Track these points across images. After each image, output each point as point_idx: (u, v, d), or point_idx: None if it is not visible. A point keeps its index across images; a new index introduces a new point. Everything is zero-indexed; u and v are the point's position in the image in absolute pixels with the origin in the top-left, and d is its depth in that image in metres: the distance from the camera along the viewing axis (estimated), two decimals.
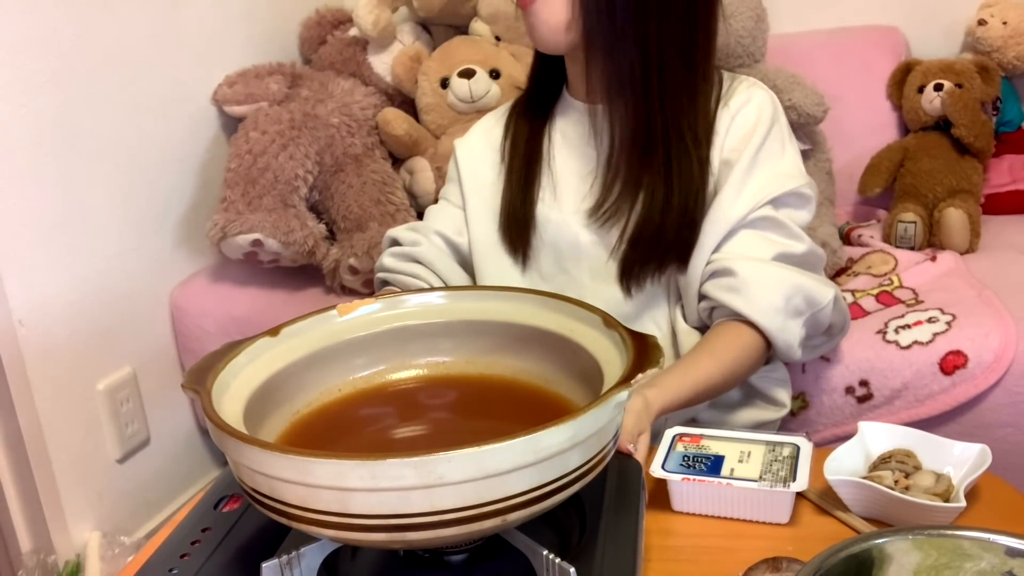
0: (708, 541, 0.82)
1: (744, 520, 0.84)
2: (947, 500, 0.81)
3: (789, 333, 1.03)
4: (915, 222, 1.61)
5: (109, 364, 1.57)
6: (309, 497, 0.59)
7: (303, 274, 1.70)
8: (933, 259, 1.52)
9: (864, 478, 0.84)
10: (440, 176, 1.72)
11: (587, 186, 1.10)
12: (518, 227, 1.13)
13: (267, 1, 1.92)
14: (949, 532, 0.62)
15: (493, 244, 1.15)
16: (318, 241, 1.63)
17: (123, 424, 1.59)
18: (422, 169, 1.75)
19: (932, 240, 1.61)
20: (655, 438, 0.92)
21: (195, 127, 1.75)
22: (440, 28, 1.91)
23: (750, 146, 1.04)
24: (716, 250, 1.04)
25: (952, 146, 1.68)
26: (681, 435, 0.91)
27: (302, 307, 1.21)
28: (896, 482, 0.83)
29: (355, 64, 1.85)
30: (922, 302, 1.38)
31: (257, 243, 1.57)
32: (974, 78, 1.70)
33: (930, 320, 1.31)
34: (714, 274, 1.04)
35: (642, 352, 0.68)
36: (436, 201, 1.26)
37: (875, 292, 1.46)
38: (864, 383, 1.29)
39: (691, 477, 0.84)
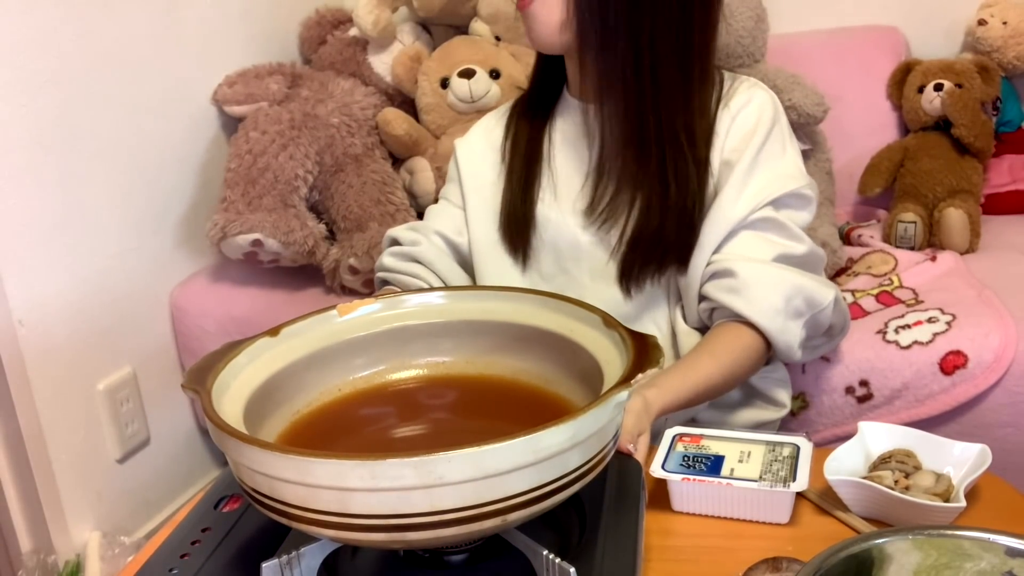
0: (708, 541, 0.82)
1: (744, 520, 0.84)
2: (947, 500, 0.81)
3: (789, 334, 1.03)
4: (915, 222, 1.61)
5: (109, 364, 1.57)
6: (309, 497, 0.59)
7: (303, 274, 1.70)
8: (933, 259, 1.52)
9: (864, 478, 0.84)
10: (440, 176, 1.72)
11: (584, 186, 1.10)
12: (518, 227, 1.13)
13: (267, 1, 1.92)
14: (949, 532, 0.62)
15: (493, 244, 1.15)
16: (318, 241, 1.63)
17: (123, 424, 1.59)
18: (422, 169, 1.75)
19: (932, 240, 1.61)
20: (655, 438, 0.92)
21: (195, 127, 1.75)
22: (440, 28, 1.91)
23: (751, 147, 1.04)
24: (716, 251, 1.04)
25: (952, 146, 1.68)
26: (681, 435, 0.91)
27: (302, 307, 1.21)
28: (896, 482, 0.83)
29: (355, 64, 1.85)
30: (922, 302, 1.38)
31: (257, 243, 1.57)
32: (974, 78, 1.70)
33: (930, 320, 1.31)
34: (714, 275, 1.04)
35: (642, 352, 0.68)
36: (436, 201, 1.26)
37: (875, 292, 1.46)
38: (864, 383, 1.29)
39: (691, 477, 0.84)
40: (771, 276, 1.02)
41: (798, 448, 0.87)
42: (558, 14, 1.01)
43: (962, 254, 1.56)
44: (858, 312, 1.40)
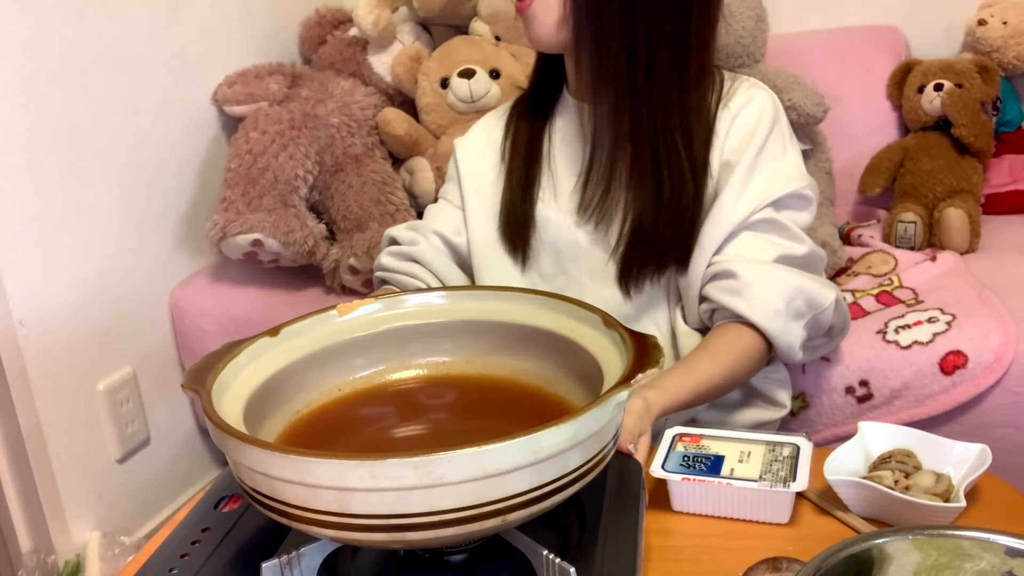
0: (708, 541, 0.82)
1: (744, 520, 0.84)
2: (947, 500, 0.81)
3: (790, 335, 1.03)
4: (915, 222, 1.61)
5: (109, 364, 1.57)
6: (309, 497, 0.59)
7: (303, 274, 1.70)
8: (933, 259, 1.52)
9: (864, 478, 0.84)
10: (440, 176, 1.72)
11: (576, 186, 1.10)
12: (518, 227, 1.13)
13: (267, 1, 1.92)
14: (949, 532, 0.62)
15: (492, 244, 1.15)
16: (318, 241, 1.63)
17: (123, 424, 1.59)
18: (422, 169, 1.75)
19: (932, 240, 1.61)
20: (655, 438, 0.92)
21: (195, 127, 1.75)
22: (440, 28, 1.91)
23: (751, 147, 1.04)
24: (717, 252, 1.04)
25: (952, 146, 1.68)
26: (681, 435, 0.91)
27: (302, 307, 1.21)
28: (896, 482, 0.83)
29: (355, 64, 1.85)
30: (922, 302, 1.38)
31: (257, 243, 1.57)
32: (974, 78, 1.70)
33: (930, 320, 1.31)
34: (715, 276, 1.04)
35: (642, 352, 0.68)
36: (436, 201, 1.26)
37: (875, 292, 1.46)
38: (864, 383, 1.29)
39: (691, 477, 0.84)
40: (772, 277, 1.02)
41: (798, 448, 0.87)
42: (556, 12, 1.01)
43: (962, 254, 1.56)
44: (858, 312, 1.40)
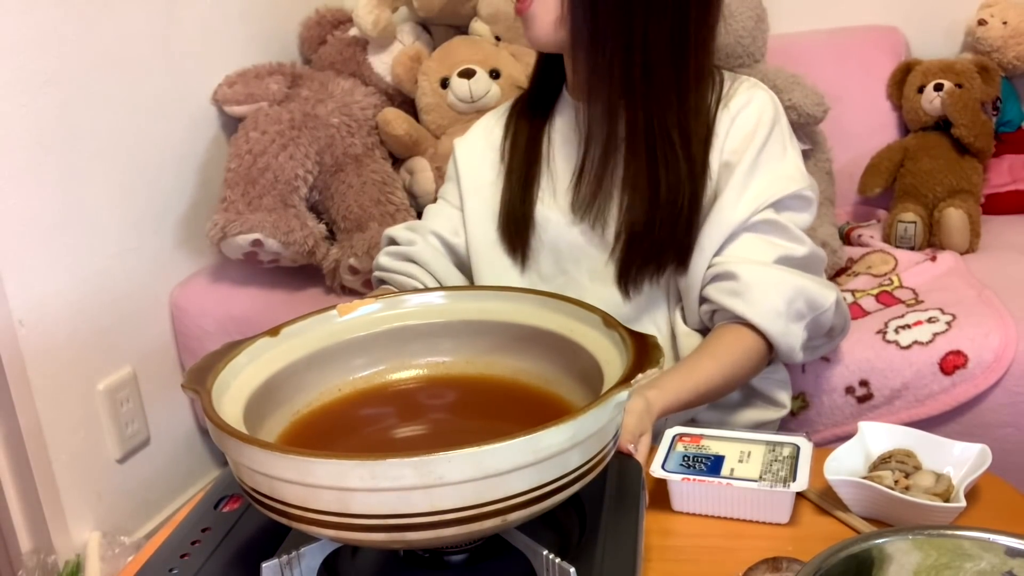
0: (708, 541, 0.82)
1: (744, 520, 0.83)
2: (947, 500, 0.81)
3: (791, 336, 1.03)
4: (915, 222, 1.61)
5: (109, 364, 1.57)
6: (309, 497, 0.59)
7: (303, 274, 1.70)
8: (933, 259, 1.52)
9: (864, 478, 0.84)
10: (440, 176, 1.72)
11: (570, 185, 1.10)
12: (517, 227, 1.13)
13: (267, 1, 1.92)
14: (949, 532, 0.62)
15: (492, 245, 1.15)
16: (318, 241, 1.63)
17: (123, 424, 1.59)
18: (422, 169, 1.75)
19: (932, 240, 1.62)
20: (655, 438, 0.92)
21: (195, 127, 1.75)
22: (440, 28, 1.91)
23: (751, 148, 1.04)
24: (717, 253, 1.04)
25: (952, 146, 1.68)
26: (681, 435, 0.91)
27: (302, 307, 1.21)
28: (896, 482, 0.83)
29: (355, 64, 1.85)
30: (922, 302, 1.38)
31: (257, 243, 1.57)
32: (974, 78, 1.70)
33: (930, 320, 1.31)
34: (716, 277, 1.04)
35: (642, 352, 0.68)
36: (436, 201, 1.26)
37: (875, 292, 1.46)
38: (864, 383, 1.29)
39: (691, 477, 0.84)
40: (772, 278, 1.02)
41: (798, 448, 0.87)
42: (554, 11, 1.01)
43: (962, 254, 1.56)
44: (858, 312, 1.40)
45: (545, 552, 0.64)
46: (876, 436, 0.90)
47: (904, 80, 1.79)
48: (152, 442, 1.66)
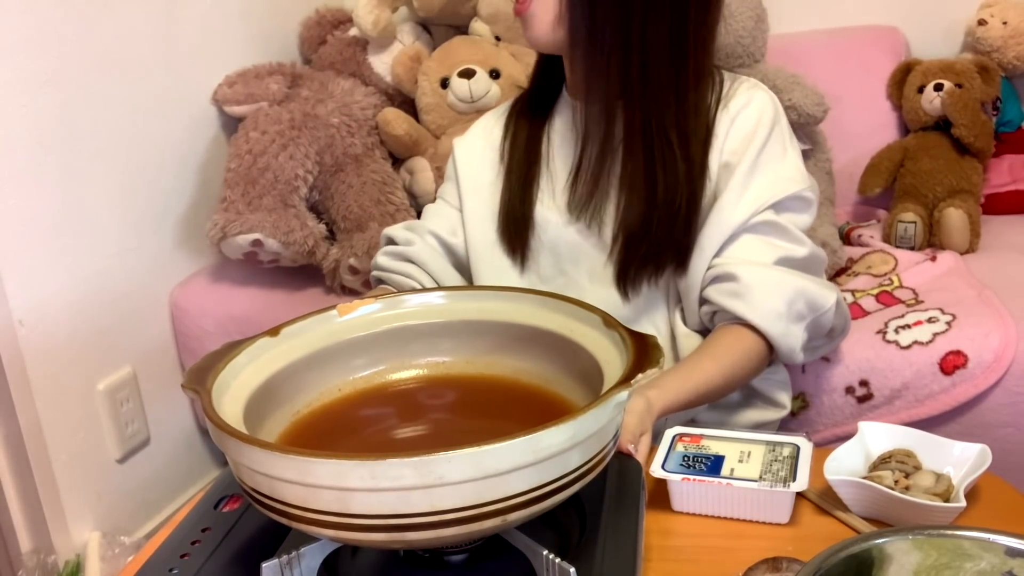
0: (708, 541, 0.82)
1: (744, 520, 0.83)
2: (947, 500, 0.81)
3: (792, 337, 1.02)
4: (915, 222, 1.61)
5: (109, 364, 1.57)
6: (309, 497, 0.59)
7: (303, 274, 1.70)
8: (933, 259, 1.52)
9: (864, 478, 0.84)
10: (440, 176, 1.72)
11: (566, 185, 1.10)
12: (517, 228, 1.13)
13: (267, 1, 1.92)
14: (949, 532, 0.62)
15: (491, 245, 1.15)
16: (318, 241, 1.63)
17: (123, 424, 1.59)
18: (422, 169, 1.75)
19: (932, 240, 1.62)
20: (655, 438, 0.92)
21: (195, 127, 1.75)
22: (440, 28, 1.91)
23: (751, 149, 1.04)
24: (717, 254, 1.04)
25: (952, 146, 1.68)
26: (681, 435, 0.91)
27: (302, 307, 1.21)
28: (896, 482, 0.83)
29: (355, 64, 1.85)
30: (922, 302, 1.38)
31: (257, 243, 1.57)
32: (974, 78, 1.70)
33: (930, 320, 1.31)
34: (716, 279, 1.04)
35: (642, 352, 0.68)
36: (435, 201, 1.26)
37: (875, 292, 1.46)
38: (864, 383, 1.29)
39: (691, 477, 0.84)
40: (773, 280, 1.02)
41: (798, 448, 0.87)
42: (553, 11, 1.01)
43: (962, 254, 1.56)
44: (858, 312, 1.40)
45: (545, 552, 0.64)
46: (876, 436, 0.90)
47: (904, 80, 1.79)
48: (152, 442, 1.66)
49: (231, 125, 1.77)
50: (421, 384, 0.82)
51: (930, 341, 1.27)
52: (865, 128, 1.83)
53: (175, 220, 1.71)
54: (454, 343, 0.82)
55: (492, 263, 1.14)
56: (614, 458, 0.68)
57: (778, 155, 1.06)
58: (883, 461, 0.87)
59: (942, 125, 1.71)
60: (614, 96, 1.02)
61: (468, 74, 1.71)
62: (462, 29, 1.87)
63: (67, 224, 1.48)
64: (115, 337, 1.58)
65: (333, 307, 0.82)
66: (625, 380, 0.64)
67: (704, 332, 1.09)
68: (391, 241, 1.21)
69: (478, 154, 1.18)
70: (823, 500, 0.85)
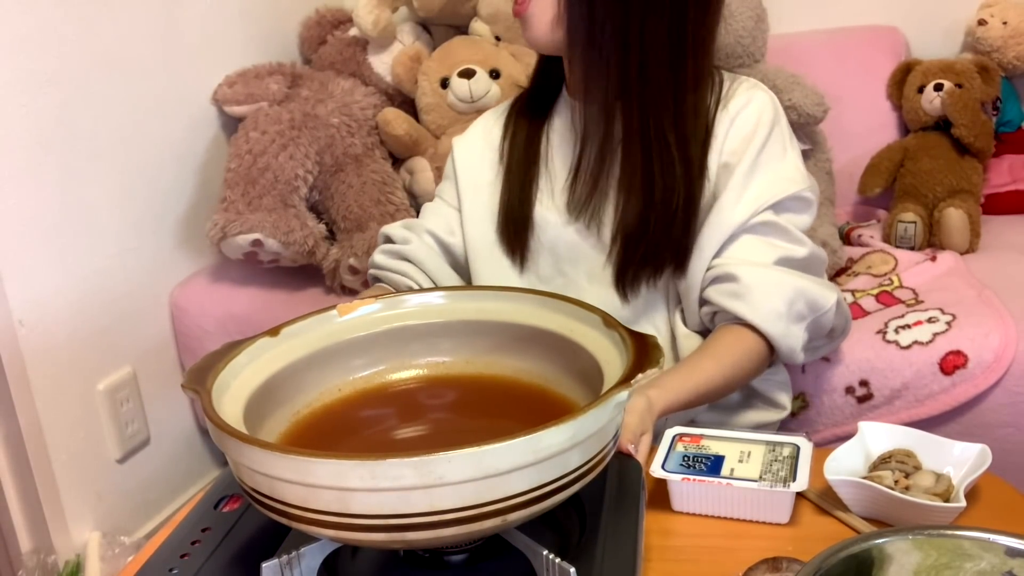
0: (708, 541, 0.82)
1: (744, 520, 0.83)
2: (947, 500, 0.81)
3: (792, 338, 1.02)
4: (915, 222, 1.61)
5: (109, 364, 1.57)
6: (309, 497, 0.59)
7: (303, 274, 1.70)
8: (933, 259, 1.52)
9: (864, 478, 0.84)
10: (440, 176, 1.72)
11: (565, 185, 1.10)
12: (516, 229, 1.13)
13: (267, 1, 1.92)
14: (949, 532, 0.62)
15: (490, 245, 1.15)
16: (318, 241, 1.63)
17: (123, 424, 1.59)
18: (422, 169, 1.75)
19: (932, 240, 1.62)
20: (655, 438, 0.92)
21: (195, 127, 1.75)
22: (440, 28, 1.91)
23: (750, 149, 1.04)
24: (717, 255, 1.04)
25: (952, 146, 1.68)
26: (681, 435, 0.91)
27: (302, 307, 1.21)
28: (896, 482, 0.83)
29: (355, 64, 1.85)
30: (922, 302, 1.38)
31: (257, 243, 1.57)
32: (974, 78, 1.70)
33: (930, 320, 1.31)
34: (716, 279, 1.04)
35: (642, 352, 0.68)
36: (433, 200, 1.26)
37: (875, 292, 1.46)
38: (864, 383, 1.29)
39: (691, 477, 0.84)
40: (773, 280, 1.02)
41: (798, 448, 0.87)
42: (551, 11, 1.01)
43: (962, 254, 1.56)
44: (858, 312, 1.40)
45: (545, 552, 0.64)
46: (876, 436, 0.90)
47: (904, 80, 1.79)
48: (152, 442, 1.66)
49: (231, 125, 1.77)
50: (421, 384, 0.82)
51: (930, 341, 1.27)
52: (865, 128, 1.83)
53: (175, 220, 1.71)
54: (454, 343, 0.82)
55: (491, 263, 1.14)
56: (614, 458, 0.68)
57: (778, 155, 1.06)
58: (883, 461, 0.87)
59: (942, 125, 1.71)
60: (613, 96, 1.02)
61: (468, 74, 1.71)
62: (462, 29, 1.87)
63: (67, 224, 1.48)
64: (115, 337, 1.58)
65: (333, 307, 0.82)
66: (625, 380, 0.64)
67: (704, 333, 1.09)
68: (388, 239, 1.21)
69: (477, 154, 1.18)
70: (823, 500, 0.85)
